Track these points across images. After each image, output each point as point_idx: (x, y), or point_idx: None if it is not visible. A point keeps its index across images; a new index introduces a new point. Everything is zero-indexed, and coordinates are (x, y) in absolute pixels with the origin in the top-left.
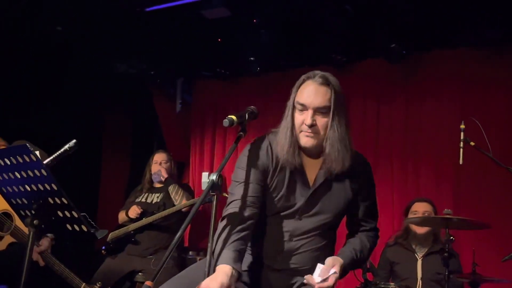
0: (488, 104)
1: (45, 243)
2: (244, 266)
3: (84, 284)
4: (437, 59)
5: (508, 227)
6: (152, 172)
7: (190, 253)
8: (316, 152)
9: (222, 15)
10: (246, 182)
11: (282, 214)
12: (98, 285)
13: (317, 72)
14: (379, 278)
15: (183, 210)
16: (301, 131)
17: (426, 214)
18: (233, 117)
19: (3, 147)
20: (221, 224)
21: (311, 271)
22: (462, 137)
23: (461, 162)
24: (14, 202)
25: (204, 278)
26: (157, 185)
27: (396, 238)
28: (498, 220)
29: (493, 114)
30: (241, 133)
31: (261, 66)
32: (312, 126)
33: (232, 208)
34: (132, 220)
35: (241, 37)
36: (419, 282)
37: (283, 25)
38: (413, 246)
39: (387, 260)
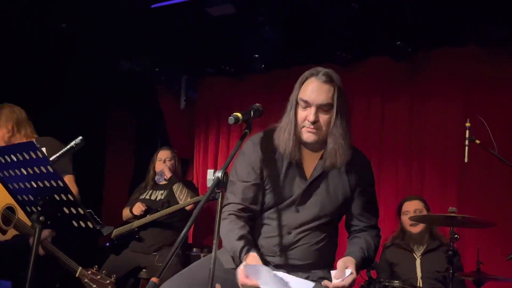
0: (493, 102)
1: (45, 232)
2: None
3: (80, 268)
4: (442, 57)
5: None
6: (156, 171)
7: (194, 250)
8: (316, 146)
9: (226, 12)
10: (242, 181)
11: (279, 206)
12: (112, 278)
13: (320, 69)
14: (383, 275)
15: (187, 208)
16: (303, 127)
17: (417, 212)
18: (238, 114)
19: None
20: (224, 223)
21: (312, 266)
22: (467, 135)
23: (466, 160)
24: (20, 198)
25: (209, 275)
26: (162, 182)
27: (393, 239)
28: (503, 218)
29: (498, 113)
30: (246, 130)
31: (265, 64)
32: (315, 122)
33: (230, 208)
34: (136, 217)
35: (245, 34)
36: (419, 281)
37: (288, 22)
38: (411, 246)
39: (386, 261)
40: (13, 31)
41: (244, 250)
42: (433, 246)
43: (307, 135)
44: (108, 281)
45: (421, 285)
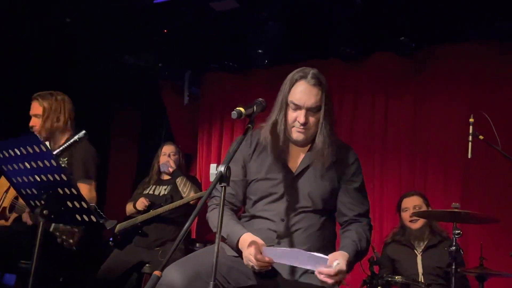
0: (497, 98)
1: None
2: None
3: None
4: (447, 53)
5: None
6: (161, 163)
7: (197, 245)
8: (303, 142)
9: (230, 7)
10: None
11: (269, 198)
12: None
13: (308, 70)
14: (385, 271)
15: (190, 203)
16: (293, 127)
17: (417, 208)
18: (241, 109)
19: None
20: (212, 213)
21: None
22: (470, 131)
23: (469, 156)
24: (24, 192)
25: (212, 269)
26: (165, 177)
27: (394, 235)
28: (506, 214)
29: (503, 109)
30: (249, 125)
31: (269, 59)
32: (305, 124)
33: (214, 201)
34: (139, 212)
35: (249, 30)
36: (421, 277)
37: (292, 17)
38: (411, 242)
39: (388, 258)
40: (17, 26)
41: (237, 230)
42: (434, 242)
43: (297, 135)
44: (77, 230)
45: (422, 281)
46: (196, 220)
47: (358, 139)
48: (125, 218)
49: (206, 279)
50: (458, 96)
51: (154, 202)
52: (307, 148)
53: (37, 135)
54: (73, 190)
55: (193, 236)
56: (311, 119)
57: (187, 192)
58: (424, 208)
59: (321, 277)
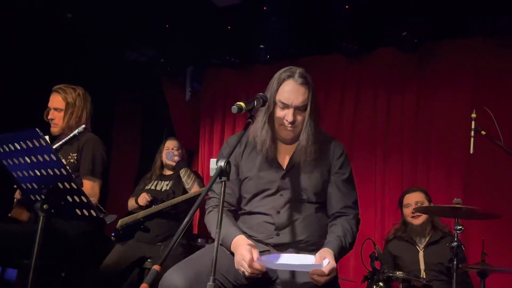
0: (500, 94)
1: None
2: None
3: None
4: (450, 49)
5: None
6: (165, 153)
7: (199, 240)
8: (290, 140)
9: (232, 3)
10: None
11: (262, 195)
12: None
13: (294, 69)
14: (386, 267)
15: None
16: (281, 125)
17: (419, 204)
18: (242, 104)
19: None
20: (210, 215)
21: (313, 243)
22: (473, 126)
23: (471, 151)
24: (25, 187)
25: (212, 264)
26: (167, 173)
27: (395, 231)
28: (508, 210)
29: (505, 105)
30: (249, 120)
31: (271, 54)
32: (293, 122)
33: (211, 203)
34: (141, 207)
35: (251, 25)
36: (423, 273)
37: (294, 12)
38: (413, 238)
39: (389, 254)
40: (18, 22)
41: (232, 231)
42: (435, 238)
43: (286, 133)
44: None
45: (424, 277)
46: (197, 215)
47: (360, 135)
48: (127, 213)
49: (207, 280)
50: (460, 91)
51: (156, 198)
52: (295, 145)
53: (55, 128)
54: (73, 184)
55: (195, 231)
56: (299, 118)
57: (190, 183)
58: (426, 204)
59: (315, 277)
